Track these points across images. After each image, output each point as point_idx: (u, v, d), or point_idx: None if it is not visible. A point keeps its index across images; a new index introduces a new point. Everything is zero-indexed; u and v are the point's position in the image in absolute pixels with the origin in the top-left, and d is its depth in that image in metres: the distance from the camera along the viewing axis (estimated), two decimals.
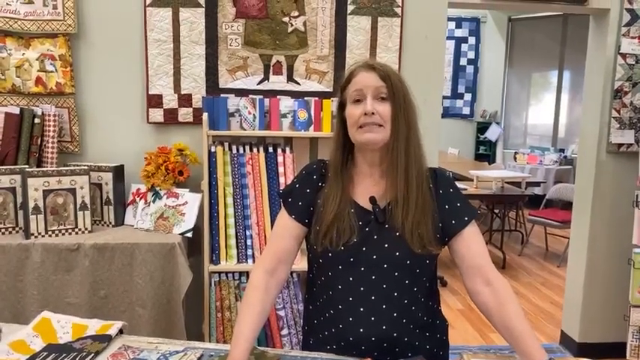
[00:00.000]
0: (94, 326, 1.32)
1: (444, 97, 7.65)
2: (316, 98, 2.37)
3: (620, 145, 2.83)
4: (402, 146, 1.20)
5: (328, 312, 1.25)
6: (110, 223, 2.30)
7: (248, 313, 1.19)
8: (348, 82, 1.24)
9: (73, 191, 2.12)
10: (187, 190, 2.30)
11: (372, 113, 1.18)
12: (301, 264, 2.16)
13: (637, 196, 2.61)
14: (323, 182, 1.28)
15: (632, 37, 2.74)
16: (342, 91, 1.27)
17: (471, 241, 1.23)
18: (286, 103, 2.34)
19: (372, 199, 1.23)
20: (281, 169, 2.26)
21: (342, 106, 1.27)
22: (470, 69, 7.91)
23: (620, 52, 2.75)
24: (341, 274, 1.22)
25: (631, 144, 2.82)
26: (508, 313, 1.15)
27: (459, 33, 7.81)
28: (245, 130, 2.31)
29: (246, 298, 1.22)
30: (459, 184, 5.01)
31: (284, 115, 2.33)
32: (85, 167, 2.18)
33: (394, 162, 1.21)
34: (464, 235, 1.23)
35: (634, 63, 2.76)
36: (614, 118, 2.80)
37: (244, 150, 2.27)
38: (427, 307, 1.27)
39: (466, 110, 8.02)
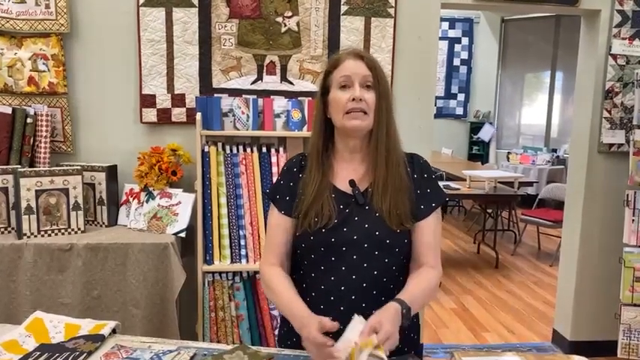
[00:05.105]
0: (86, 326, 1.32)
1: (438, 98, 7.66)
2: (310, 98, 2.37)
3: (611, 145, 2.86)
4: (384, 132, 1.26)
5: (309, 295, 1.26)
6: (103, 223, 2.29)
7: (284, 287, 1.24)
8: (334, 68, 1.27)
9: (65, 191, 2.12)
10: (181, 190, 2.29)
11: (360, 100, 1.22)
12: None
13: (628, 195, 2.63)
14: (303, 173, 1.32)
15: (623, 38, 2.76)
16: (326, 76, 1.30)
17: (427, 229, 1.28)
18: (280, 103, 2.34)
19: (352, 182, 1.28)
20: (274, 169, 2.27)
21: (324, 91, 1.30)
22: (463, 69, 7.94)
23: (611, 52, 2.77)
24: (323, 255, 1.25)
25: (622, 144, 2.85)
26: (411, 279, 1.24)
27: (452, 33, 7.84)
28: (238, 130, 2.32)
29: (271, 283, 1.26)
30: (453, 184, 5.05)
31: (277, 115, 2.33)
32: (78, 167, 2.17)
33: (376, 147, 1.26)
34: (425, 222, 1.28)
35: (625, 64, 2.78)
36: (605, 118, 2.82)
37: (238, 150, 2.28)
38: (402, 285, 1.29)
39: (459, 110, 8.06)
